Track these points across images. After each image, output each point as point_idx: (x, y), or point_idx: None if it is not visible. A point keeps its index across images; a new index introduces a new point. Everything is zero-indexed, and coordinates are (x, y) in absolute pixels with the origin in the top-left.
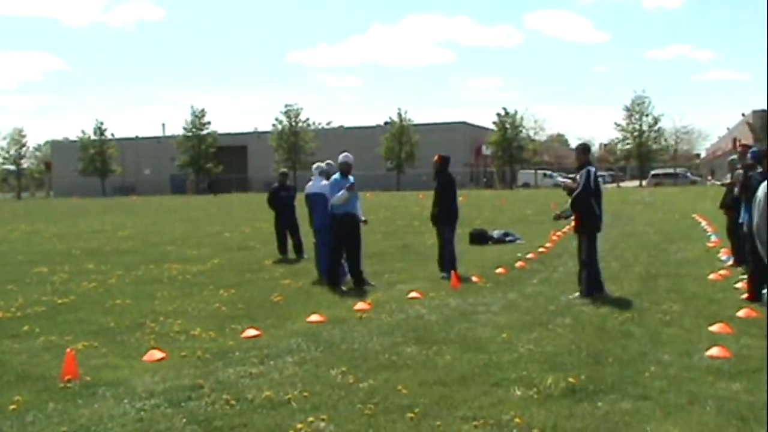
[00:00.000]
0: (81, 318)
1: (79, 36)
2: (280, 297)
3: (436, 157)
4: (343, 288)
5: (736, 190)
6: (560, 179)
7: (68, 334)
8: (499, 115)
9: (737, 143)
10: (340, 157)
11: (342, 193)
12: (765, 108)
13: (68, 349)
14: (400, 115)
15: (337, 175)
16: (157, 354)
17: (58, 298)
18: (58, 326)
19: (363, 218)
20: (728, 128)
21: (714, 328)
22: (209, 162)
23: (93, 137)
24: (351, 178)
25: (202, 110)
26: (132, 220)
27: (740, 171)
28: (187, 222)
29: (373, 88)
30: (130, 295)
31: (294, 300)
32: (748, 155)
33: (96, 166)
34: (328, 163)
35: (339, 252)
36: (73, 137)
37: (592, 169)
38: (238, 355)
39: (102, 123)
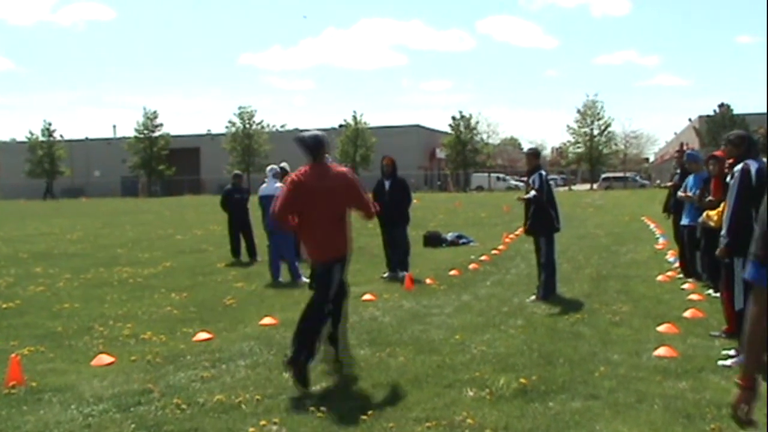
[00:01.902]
0: (27, 322)
1: (26, 35)
2: (233, 300)
3: (387, 160)
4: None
5: (679, 194)
6: (513, 182)
7: (14, 339)
8: (454, 118)
9: (685, 147)
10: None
11: None
12: (711, 113)
13: (13, 355)
14: (355, 117)
15: None
16: (105, 358)
17: (4, 302)
18: (3, 331)
19: None
20: (675, 133)
21: (661, 328)
22: (161, 164)
23: (41, 138)
24: None
25: (154, 112)
26: (81, 223)
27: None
28: (138, 225)
29: (326, 90)
30: (79, 298)
31: (247, 303)
32: (684, 158)
33: (44, 167)
34: (282, 167)
35: None
36: (20, 138)
37: (544, 173)
38: (190, 359)
39: (50, 124)
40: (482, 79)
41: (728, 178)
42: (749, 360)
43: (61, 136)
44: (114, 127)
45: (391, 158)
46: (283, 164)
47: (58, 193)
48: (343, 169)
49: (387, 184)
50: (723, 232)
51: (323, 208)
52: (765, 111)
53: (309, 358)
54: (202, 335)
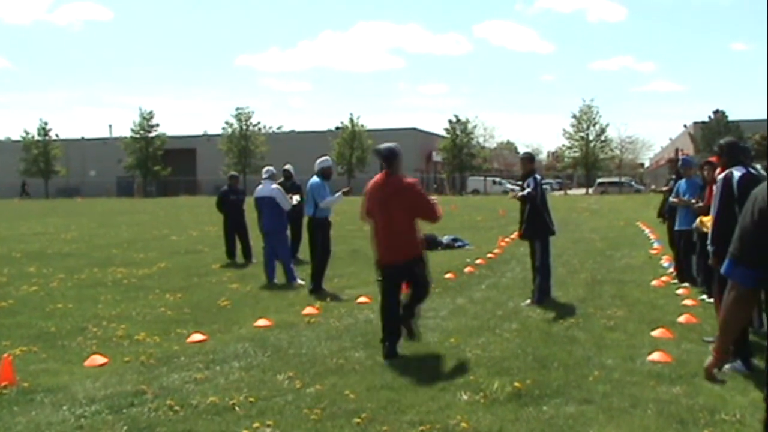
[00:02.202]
0: (20, 322)
1: (22, 34)
2: (228, 301)
3: None
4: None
5: (671, 198)
6: (509, 186)
7: (6, 339)
8: (450, 121)
9: (680, 153)
10: (322, 161)
11: (338, 197)
12: (706, 120)
13: (5, 355)
14: (352, 120)
15: (317, 179)
16: (99, 359)
17: None
18: None
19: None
20: (671, 139)
21: (656, 333)
22: (157, 164)
23: (37, 137)
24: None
25: (151, 112)
26: (76, 223)
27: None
28: (133, 225)
29: (323, 93)
30: (73, 299)
31: (241, 304)
32: (679, 163)
33: (39, 166)
34: (285, 169)
35: (322, 257)
36: (15, 137)
37: (538, 177)
38: (183, 360)
39: (46, 123)
40: (479, 83)
41: (713, 187)
42: (722, 340)
43: (57, 135)
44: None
45: None
46: (288, 166)
47: (53, 193)
48: (412, 180)
49: None
50: (708, 240)
51: (393, 214)
52: (759, 117)
53: (411, 335)
54: (196, 336)
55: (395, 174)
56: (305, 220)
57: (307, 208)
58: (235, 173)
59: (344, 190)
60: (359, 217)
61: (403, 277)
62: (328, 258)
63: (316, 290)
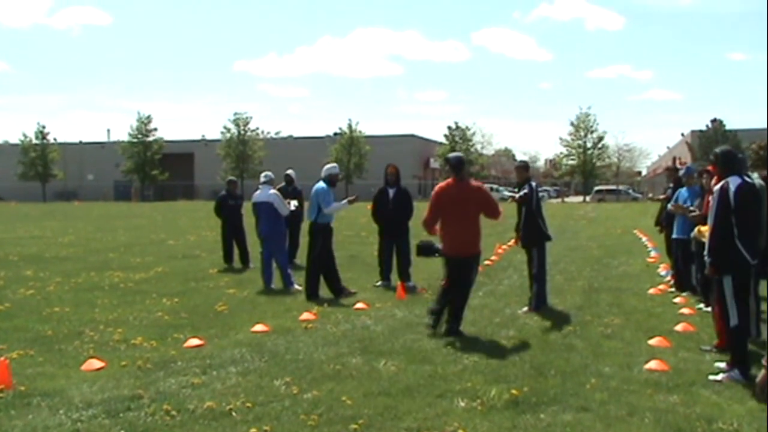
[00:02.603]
0: (17, 326)
1: (21, 38)
2: (225, 306)
3: (391, 168)
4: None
5: (669, 206)
6: (506, 193)
7: (2, 342)
8: (449, 128)
9: (677, 162)
10: (330, 168)
11: (343, 204)
12: (703, 128)
13: (2, 358)
14: (350, 126)
15: (323, 185)
16: (96, 363)
17: None
18: None
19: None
20: (668, 147)
21: (653, 341)
22: (155, 169)
23: (35, 141)
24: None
25: (149, 116)
26: (73, 227)
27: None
28: (130, 229)
29: (321, 98)
30: (70, 302)
31: (239, 309)
32: (682, 171)
33: (37, 170)
34: (287, 174)
35: (323, 264)
36: (13, 140)
37: (534, 184)
38: (180, 365)
39: (44, 126)
40: (477, 90)
41: (710, 197)
42: None
43: (55, 139)
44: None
45: (396, 166)
46: (289, 171)
47: (51, 196)
48: (478, 183)
49: (391, 192)
50: (705, 251)
51: (466, 214)
52: (757, 126)
53: (458, 325)
54: (193, 341)
55: (463, 180)
56: (307, 225)
57: (310, 212)
58: (234, 178)
59: (350, 198)
60: (423, 222)
61: (462, 269)
62: (332, 263)
63: (338, 293)
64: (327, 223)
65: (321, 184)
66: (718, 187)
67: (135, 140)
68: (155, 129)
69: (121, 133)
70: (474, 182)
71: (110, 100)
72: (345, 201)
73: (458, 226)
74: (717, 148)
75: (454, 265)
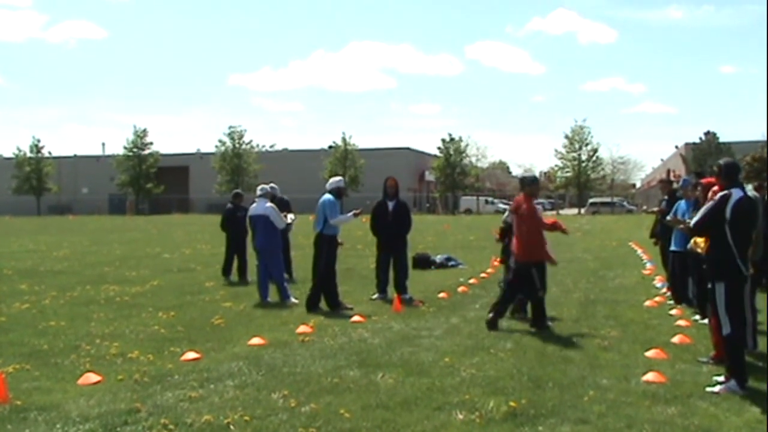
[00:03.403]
0: (12, 340)
1: (16, 52)
2: (221, 320)
3: (391, 181)
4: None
5: (667, 219)
6: (501, 206)
7: None
8: (443, 140)
9: (671, 174)
10: (337, 181)
11: (348, 217)
12: (696, 141)
13: None
14: (344, 139)
15: (330, 196)
16: (92, 377)
17: None
18: None
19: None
20: (662, 159)
21: (650, 353)
22: (150, 182)
23: (29, 155)
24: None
25: (144, 130)
26: (68, 240)
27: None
28: (126, 243)
29: (315, 112)
30: (65, 316)
31: (235, 323)
32: (679, 183)
33: (31, 184)
34: (272, 186)
35: (328, 276)
36: (7, 154)
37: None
38: (177, 379)
39: (39, 140)
40: (471, 104)
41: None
42: None
43: (50, 152)
44: (103, 144)
45: (396, 179)
46: (272, 185)
47: (45, 210)
48: (534, 205)
49: (390, 205)
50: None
51: (528, 226)
52: (750, 139)
53: (497, 318)
54: (190, 355)
55: (533, 196)
56: (313, 236)
57: (317, 224)
58: (240, 191)
59: (356, 211)
60: (542, 225)
61: (528, 274)
62: (333, 275)
63: (312, 306)
64: (333, 234)
65: (328, 196)
66: (721, 193)
67: (130, 154)
68: (151, 143)
69: (116, 146)
70: (533, 203)
71: (105, 113)
72: (351, 213)
73: (524, 236)
74: (721, 160)
75: (521, 269)
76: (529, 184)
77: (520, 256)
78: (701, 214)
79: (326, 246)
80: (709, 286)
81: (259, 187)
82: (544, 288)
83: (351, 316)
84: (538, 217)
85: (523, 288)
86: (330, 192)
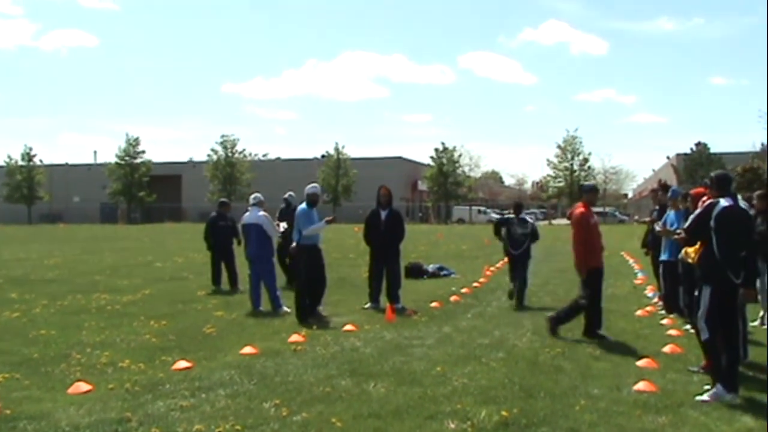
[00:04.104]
0: (2, 349)
1: (7, 60)
2: (213, 328)
3: (384, 190)
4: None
5: (656, 228)
6: (494, 216)
7: None
8: (436, 150)
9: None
10: (309, 188)
11: (320, 225)
12: (687, 151)
13: None
14: (337, 148)
15: (304, 206)
16: (83, 386)
17: None
18: None
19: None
20: (654, 170)
21: (641, 363)
22: (142, 190)
23: (21, 163)
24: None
25: (137, 138)
26: (59, 249)
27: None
28: (117, 251)
29: (308, 121)
30: (56, 325)
31: (227, 332)
32: (668, 194)
33: (22, 192)
34: (291, 195)
35: (308, 286)
36: None
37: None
38: (169, 388)
39: (31, 149)
40: (463, 113)
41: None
42: None
43: (41, 161)
44: (95, 152)
45: (389, 189)
46: (288, 194)
47: (36, 219)
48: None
49: (383, 214)
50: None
51: (582, 234)
52: (740, 150)
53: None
54: (182, 364)
55: (591, 204)
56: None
57: (294, 234)
58: (225, 200)
59: (327, 219)
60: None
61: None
62: (323, 285)
63: (311, 316)
64: (313, 244)
65: (302, 206)
66: (706, 204)
67: (122, 162)
68: (143, 151)
69: (108, 155)
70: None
71: (97, 122)
72: (322, 222)
73: (599, 243)
74: (713, 173)
75: (598, 275)
76: (588, 192)
77: (576, 263)
78: (690, 220)
79: (305, 256)
80: (696, 292)
81: (252, 196)
82: (589, 297)
83: (343, 325)
84: (592, 226)
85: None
86: (304, 201)
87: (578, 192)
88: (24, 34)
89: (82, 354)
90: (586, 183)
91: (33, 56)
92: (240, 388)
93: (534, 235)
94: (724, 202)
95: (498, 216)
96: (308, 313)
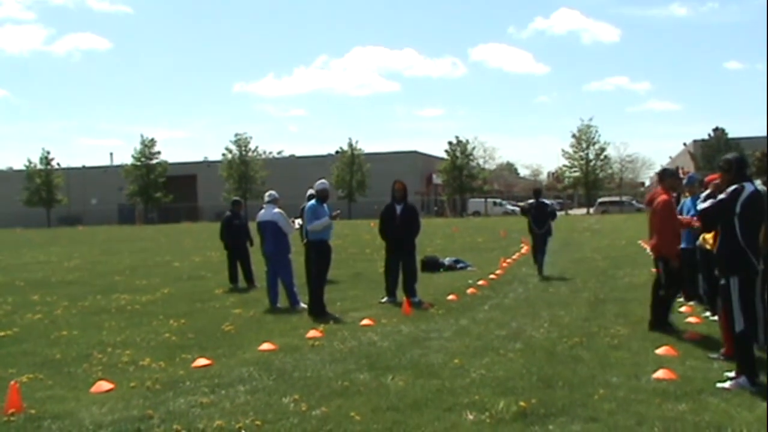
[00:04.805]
0: (25, 350)
1: (22, 65)
2: (231, 326)
3: (398, 185)
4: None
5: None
6: (510, 207)
7: (12, 366)
8: (450, 143)
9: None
10: (318, 185)
11: (324, 221)
12: (705, 137)
13: (12, 382)
14: (350, 144)
15: (313, 202)
16: (105, 385)
17: (1, 330)
18: (2, 359)
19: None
20: (670, 157)
21: (660, 351)
22: (158, 191)
23: (39, 167)
24: (325, 205)
25: (152, 139)
26: (78, 251)
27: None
28: (135, 252)
29: (320, 117)
30: (77, 326)
31: (245, 329)
32: (685, 181)
33: (41, 196)
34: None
35: (322, 280)
36: (17, 167)
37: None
38: (189, 385)
39: (48, 152)
40: (475, 106)
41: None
42: None
43: (59, 164)
44: (111, 154)
45: (403, 183)
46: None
47: (55, 222)
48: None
49: (398, 208)
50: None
51: (661, 220)
52: (758, 135)
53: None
54: (201, 361)
55: (671, 189)
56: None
57: (304, 231)
58: (238, 198)
59: (332, 214)
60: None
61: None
62: (322, 280)
63: (317, 314)
64: (321, 240)
65: (311, 202)
66: (732, 188)
67: (138, 163)
68: (159, 152)
69: (124, 156)
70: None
71: (112, 124)
72: (326, 218)
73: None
74: (728, 155)
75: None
76: (669, 177)
77: (653, 250)
78: (710, 203)
79: (314, 252)
80: (722, 282)
81: (267, 194)
82: (669, 287)
83: (360, 320)
84: (671, 212)
85: (681, 281)
86: (313, 197)
87: (659, 177)
88: (37, 39)
89: (104, 353)
90: (668, 168)
91: (46, 61)
92: (259, 384)
93: (553, 215)
94: (750, 187)
95: (525, 203)
96: (319, 309)
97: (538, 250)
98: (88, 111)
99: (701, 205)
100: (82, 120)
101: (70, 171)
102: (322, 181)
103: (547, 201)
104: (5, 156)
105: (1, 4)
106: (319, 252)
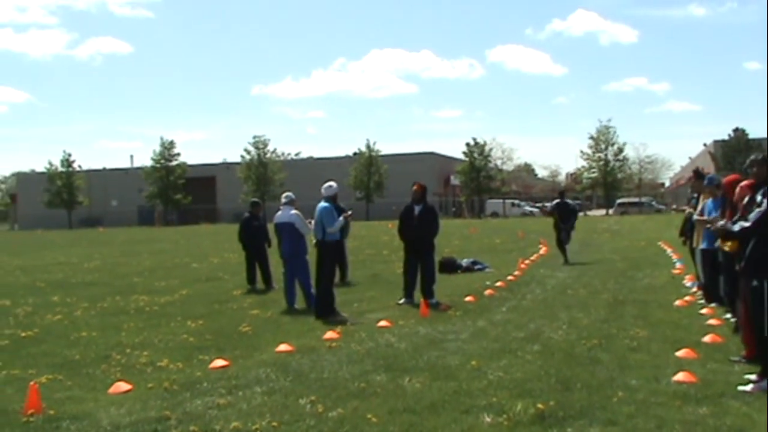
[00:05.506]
0: (45, 351)
1: (44, 69)
2: (249, 327)
3: (417, 186)
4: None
5: (694, 217)
6: (528, 208)
7: (32, 367)
8: (468, 144)
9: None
10: (327, 187)
11: (340, 222)
12: (725, 138)
13: (31, 383)
14: (368, 146)
15: (326, 203)
16: (123, 386)
17: (22, 331)
18: (22, 360)
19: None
20: (690, 158)
21: (680, 353)
22: (178, 193)
23: (60, 169)
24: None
25: (171, 141)
26: (99, 252)
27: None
28: (154, 253)
29: (338, 119)
30: (96, 327)
31: (263, 330)
32: (705, 182)
33: (62, 197)
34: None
35: (331, 281)
36: (40, 169)
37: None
38: (206, 386)
39: (70, 155)
40: (493, 107)
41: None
42: None
43: (80, 166)
44: (131, 156)
45: (422, 184)
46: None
47: (76, 223)
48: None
49: (417, 209)
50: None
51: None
52: None
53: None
54: (219, 362)
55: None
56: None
57: (316, 232)
58: (257, 200)
59: (345, 215)
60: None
61: None
62: (331, 281)
63: (324, 314)
64: (336, 240)
65: (324, 204)
66: None
67: (158, 165)
68: (178, 154)
69: (144, 158)
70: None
71: (133, 127)
72: (341, 218)
73: None
74: (755, 155)
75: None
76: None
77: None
78: (759, 214)
79: (330, 253)
80: (755, 283)
81: (284, 195)
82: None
83: (378, 321)
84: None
85: None
86: (326, 199)
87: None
88: (59, 44)
89: (122, 354)
90: (712, 175)
91: (69, 65)
92: (276, 386)
93: (575, 212)
94: None
95: (550, 204)
96: (329, 311)
97: (564, 241)
98: (109, 114)
99: (744, 224)
100: (103, 123)
101: (91, 173)
102: (330, 184)
103: (569, 201)
104: (28, 158)
105: (26, 10)
106: (333, 253)
